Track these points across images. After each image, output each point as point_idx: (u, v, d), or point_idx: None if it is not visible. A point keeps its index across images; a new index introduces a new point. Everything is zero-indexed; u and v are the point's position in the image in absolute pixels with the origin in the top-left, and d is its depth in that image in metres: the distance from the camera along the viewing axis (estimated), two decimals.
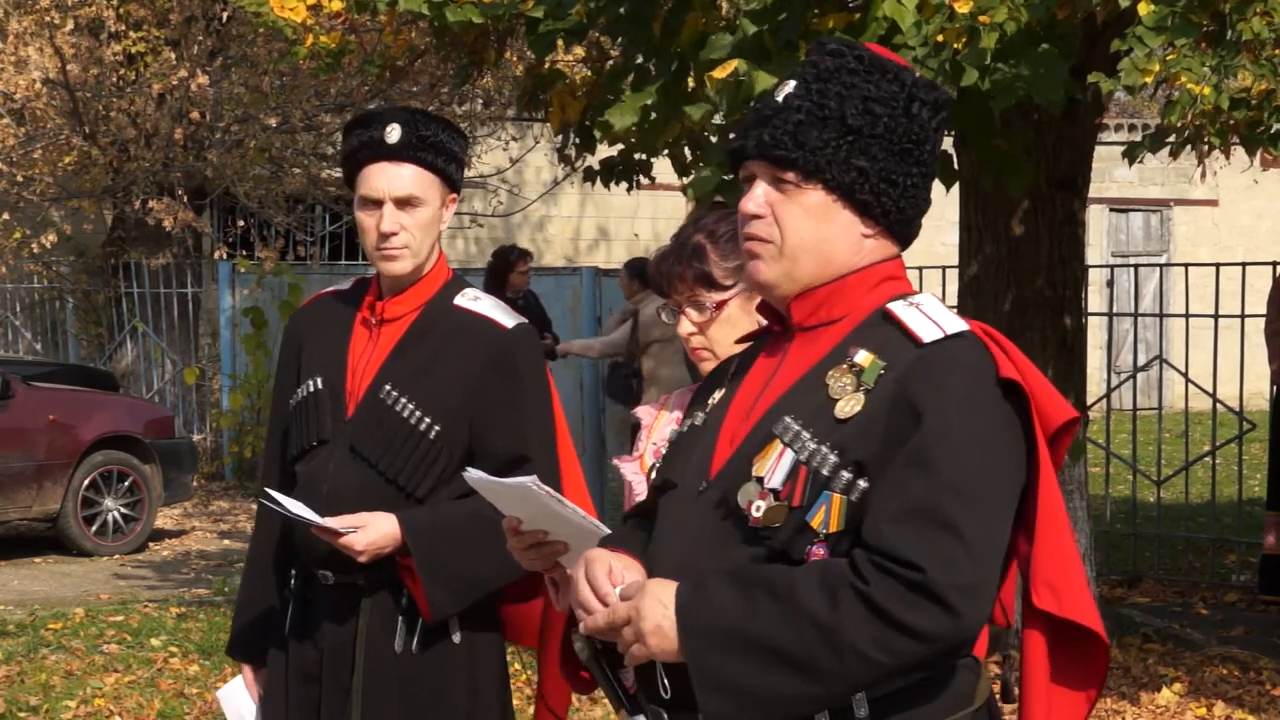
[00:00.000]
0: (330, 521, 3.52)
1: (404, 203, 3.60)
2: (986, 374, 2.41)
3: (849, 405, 2.40)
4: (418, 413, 3.60)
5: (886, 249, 2.53)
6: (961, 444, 2.35)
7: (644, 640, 2.37)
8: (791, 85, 2.51)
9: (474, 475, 2.87)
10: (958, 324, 2.44)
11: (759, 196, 2.50)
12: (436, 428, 3.60)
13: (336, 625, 3.63)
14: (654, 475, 2.61)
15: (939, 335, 2.42)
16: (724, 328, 3.24)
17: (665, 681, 2.42)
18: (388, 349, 3.67)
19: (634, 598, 2.39)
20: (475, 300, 3.71)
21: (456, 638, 3.64)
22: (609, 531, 2.82)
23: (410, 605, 3.61)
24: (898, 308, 2.47)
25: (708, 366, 3.28)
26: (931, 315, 2.46)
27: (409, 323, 3.68)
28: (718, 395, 2.61)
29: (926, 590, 2.28)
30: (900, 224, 2.52)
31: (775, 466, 2.40)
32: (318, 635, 3.66)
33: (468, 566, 3.58)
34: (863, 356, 2.43)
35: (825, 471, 2.37)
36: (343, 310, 3.77)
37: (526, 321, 3.74)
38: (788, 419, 2.42)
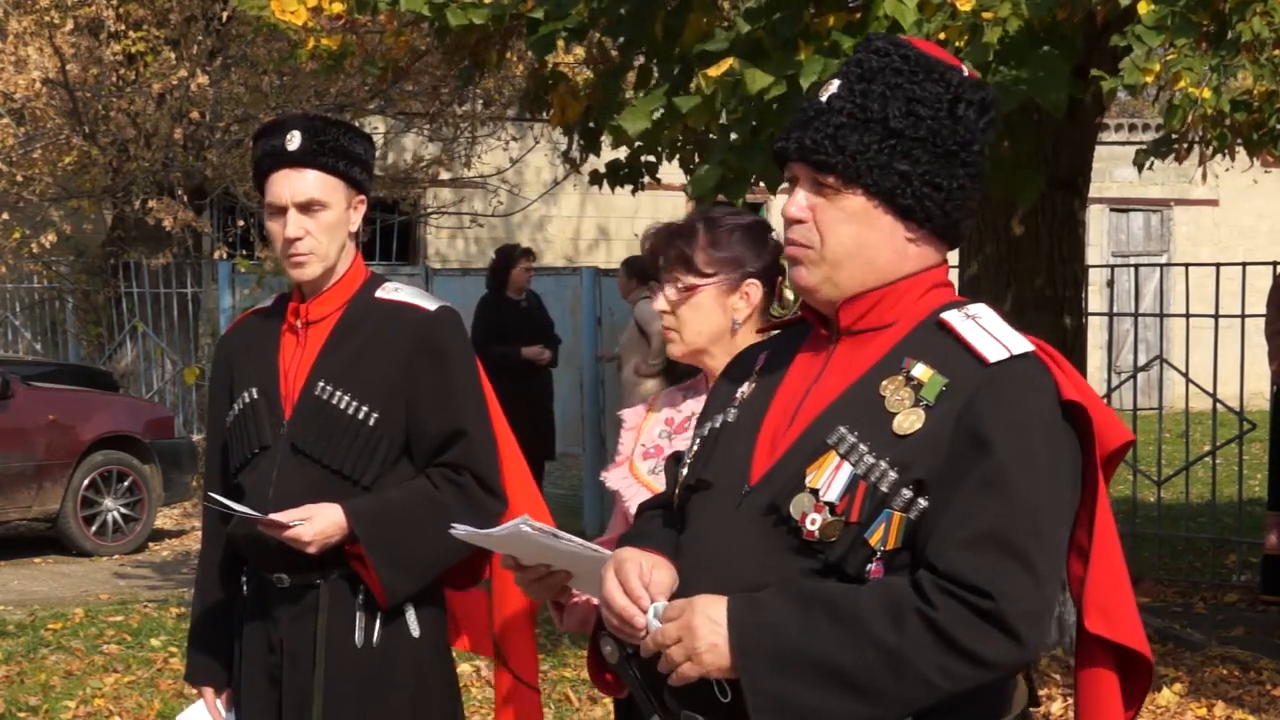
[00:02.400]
0: (276, 515, 3.56)
1: (306, 207, 3.67)
2: (1051, 397, 2.38)
3: (908, 421, 2.35)
4: (355, 403, 3.66)
5: (934, 254, 2.49)
6: (1032, 470, 2.32)
7: (698, 659, 2.33)
8: (835, 85, 2.47)
9: (462, 530, 2.87)
10: (1022, 343, 2.40)
11: (800, 200, 2.46)
12: (375, 415, 3.66)
13: (295, 626, 3.66)
14: (685, 471, 2.55)
15: (1005, 355, 2.38)
16: (692, 311, 3.24)
17: (726, 686, 2.37)
18: (317, 349, 3.74)
19: (682, 615, 2.35)
20: (396, 291, 3.79)
21: (415, 631, 3.67)
22: (610, 553, 2.79)
23: (368, 600, 3.65)
24: (954, 319, 2.43)
25: (673, 349, 3.29)
26: (993, 331, 2.41)
27: (334, 321, 3.75)
28: (747, 388, 2.56)
29: (996, 618, 2.26)
30: (946, 228, 2.46)
31: (832, 479, 2.35)
32: (275, 639, 3.69)
33: (417, 548, 3.63)
34: (921, 370, 2.38)
35: (885, 488, 2.33)
36: (267, 324, 3.85)
37: (448, 304, 3.81)
38: (842, 429, 2.38)
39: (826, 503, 2.35)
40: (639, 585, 2.41)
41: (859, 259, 2.44)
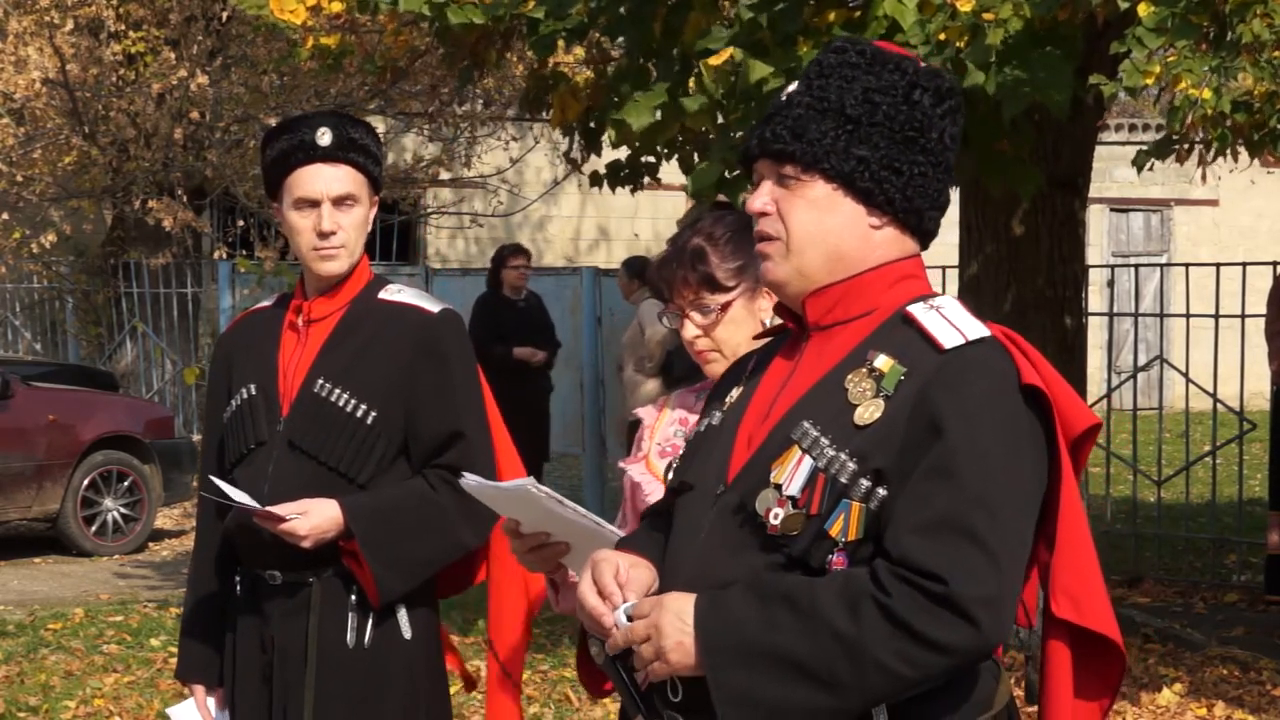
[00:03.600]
0: (273, 508, 3.56)
1: (341, 202, 3.67)
2: (1008, 381, 2.38)
3: (868, 411, 2.37)
4: (353, 401, 3.66)
5: (903, 245, 2.50)
6: (985, 454, 2.32)
7: (665, 658, 2.35)
8: (795, 84, 2.52)
9: (470, 481, 2.87)
10: (979, 329, 2.41)
11: (764, 193, 2.49)
12: (373, 414, 3.65)
13: (286, 624, 3.66)
14: (671, 475, 2.60)
15: (960, 341, 2.38)
16: (730, 328, 3.25)
17: (678, 684, 2.40)
18: (317, 347, 3.73)
19: (651, 614, 2.37)
20: (399, 292, 3.79)
21: (407, 632, 3.67)
22: (612, 528, 2.82)
23: (360, 600, 3.64)
24: (918, 310, 2.44)
25: (715, 369, 3.29)
26: (952, 319, 2.42)
27: (336, 320, 3.74)
28: (736, 393, 2.58)
29: (949, 602, 2.26)
30: (909, 214, 2.48)
31: (794, 473, 2.37)
32: (266, 637, 3.68)
33: (412, 546, 3.63)
34: (882, 361, 2.40)
35: (844, 479, 2.34)
36: (268, 322, 3.84)
37: (451, 307, 3.80)
38: (806, 424, 2.40)
39: (789, 496, 2.37)
40: (612, 583, 2.43)
41: (823, 246, 2.46)
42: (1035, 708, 2.58)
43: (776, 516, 2.37)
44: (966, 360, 2.37)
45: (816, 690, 2.28)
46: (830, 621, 2.28)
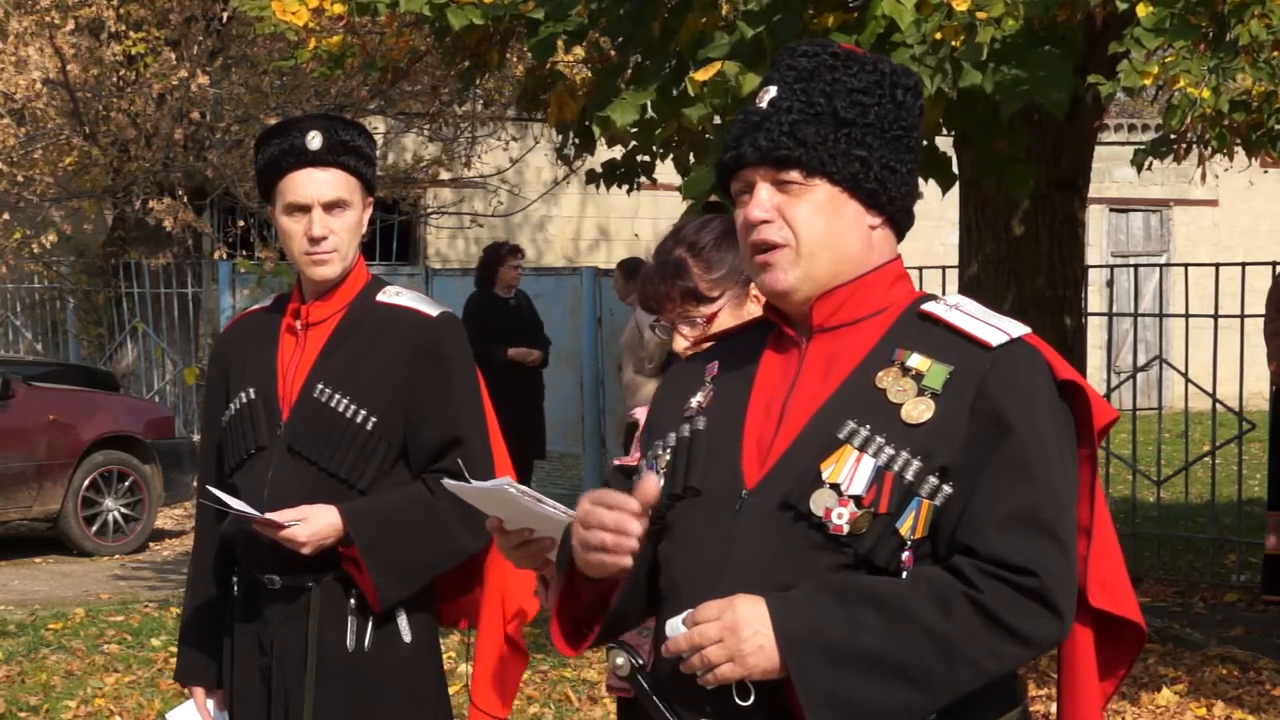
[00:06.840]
0: (272, 515, 3.56)
1: (332, 206, 3.66)
2: (1050, 376, 2.42)
3: (918, 410, 2.37)
4: (353, 406, 3.65)
5: (892, 245, 2.52)
6: (1049, 448, 2.36)
7: (743, 660, 2.30)
8: (773, 90, 2.49)
9: (452, 483, 2.88)
10: (1017, 325, 2.45)
11: (764, 201, 2.46)
12: (373, 419, 3.65)
13: (286, 628, 3.66)
14: (662, 483, 2.51)
15: (1005, 339, 2.41)
16: None
17: (750, 688, 2.34)
18: (316, 351, 3.72)
19: (723, 616, 2.31)
20: (397, 295, 3.78)
21: (407, 636, 3.67)
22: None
23: (360, 604, 3.64)
24: (938, 309, 2.46)
25: None
26: (983, 318, 2.45)
27: (335, 323, 3.74)
28: (701, 397, 2.54)
29: (1040, 595, 2.29)
30: (901, 212, 2.51)
31: (854, 473, 2.35)
32: (265, 640, 3.68)
33: (411, 552, 3.62)
34: (917, 360, 2.40)
35: (910, 477, 2.34)
36: (267, 324, 3.82)
37: (450, 310, 3.80)
38: (851, 423, 2.38)
39: (852, 496, 2.35)
40: (623, 498, 2.37)
41: (832, 249, 2.46)
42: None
43: (841, 516, 2.34)
44: (1016, 357, 2.40)
45: (905, 688, 2.29)
46: (923, 621, 2.28)
